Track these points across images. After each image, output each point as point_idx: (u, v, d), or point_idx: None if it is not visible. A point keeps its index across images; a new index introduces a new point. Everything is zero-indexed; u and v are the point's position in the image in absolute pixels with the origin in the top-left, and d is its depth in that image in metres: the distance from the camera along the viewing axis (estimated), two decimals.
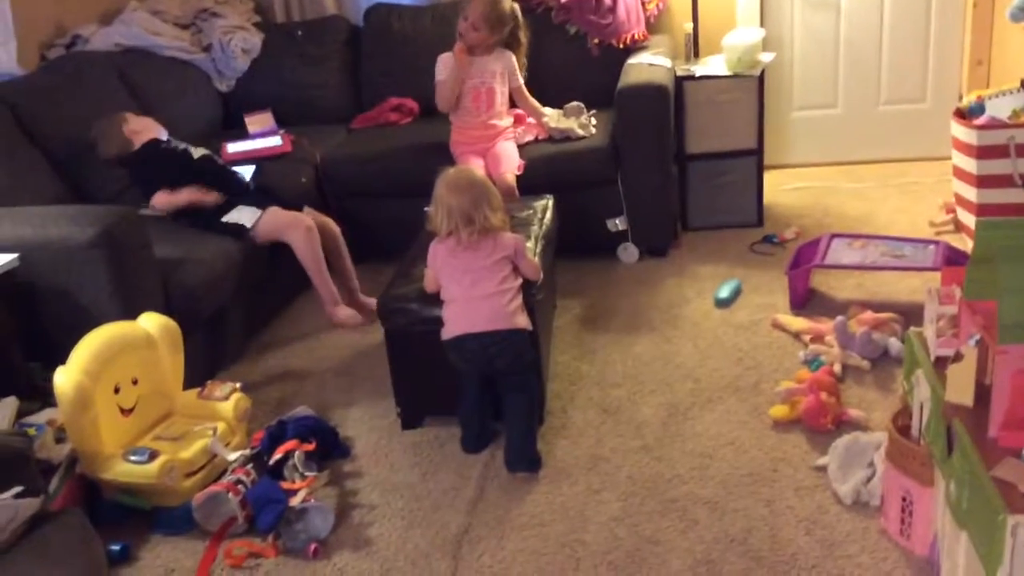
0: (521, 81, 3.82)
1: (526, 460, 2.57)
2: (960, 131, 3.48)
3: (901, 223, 3.86)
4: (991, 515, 1.59)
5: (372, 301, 3.33)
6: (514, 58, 3.78)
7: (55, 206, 3.00)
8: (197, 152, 3.46)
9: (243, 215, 3.24)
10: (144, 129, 3.45)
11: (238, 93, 4.39)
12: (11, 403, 2.56)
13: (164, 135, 3.49)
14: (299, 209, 3.43)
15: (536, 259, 2.78)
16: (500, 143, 3.73)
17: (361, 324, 3.40)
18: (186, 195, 3.25)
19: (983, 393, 1.80)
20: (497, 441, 2.67)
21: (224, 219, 3.24)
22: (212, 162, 3.47)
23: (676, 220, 3.96)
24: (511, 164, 3.62)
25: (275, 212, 3.29)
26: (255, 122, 4.14)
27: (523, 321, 2.59)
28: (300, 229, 3.26)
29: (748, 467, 2.46)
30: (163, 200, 3.26)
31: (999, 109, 3.42)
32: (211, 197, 3.27)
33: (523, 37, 3.79)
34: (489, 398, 2.66)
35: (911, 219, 3.90)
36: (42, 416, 2.55)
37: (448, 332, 2.59)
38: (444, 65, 3.71)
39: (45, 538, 1.70)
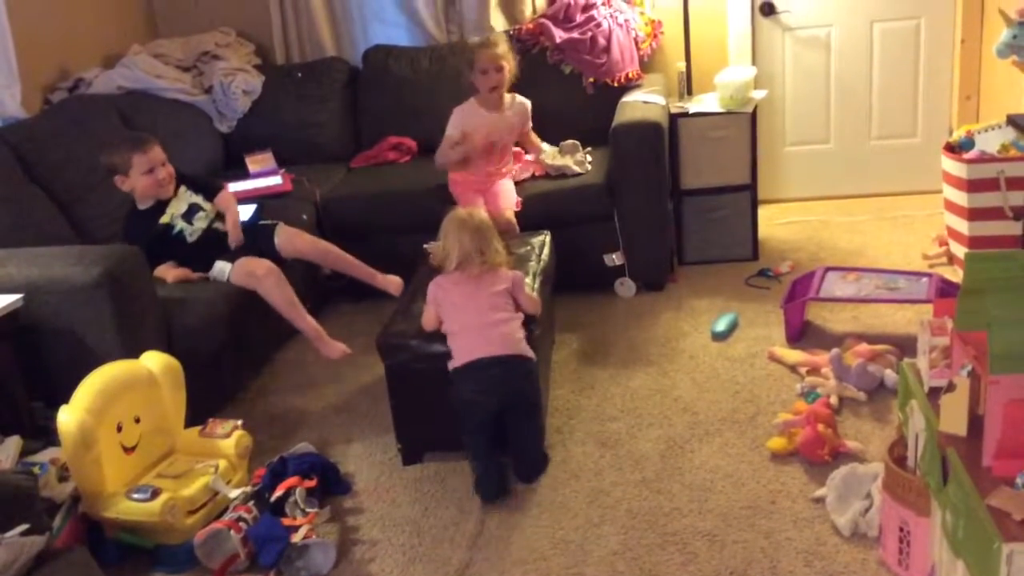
0: (530, 124, 3.90)
1: (539, 468, 2.69)
2: (951, 165, 3.53)
3: (894, 256, 3.91)
4: (986, 543, 1.61)
5: (395, 279, 3.42)
6: (529, 105, 3.84)
7: (58, 246, 3.03)
8: (194, 230, 3.35)
9: (220, 272, 3.25)
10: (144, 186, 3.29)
11: (239, 134, 4.45)
12: (14, 442, 2.58)
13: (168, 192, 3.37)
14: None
15: (535, 294, 2.83)
16: (499, 181, 3.77)
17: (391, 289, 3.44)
18: (172, 277, 3.21)
19: (976, 423, 1.83)
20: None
21: (209, 276, 3.27)
22: (207, 243, 3.36)
23: (672, 255, 4.00)
24: (510, 201, 3.67)
25: (241, 264, 3.25)
26: (256, 162, 4.20)
27: (529, 351, 2.64)
28: (262, 279, 3.21)
29: (747, 499, 2.48)
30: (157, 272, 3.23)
31: (988, 143, 3.48)
32: (195, 277, 3.25)
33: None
34: (497, 438, 2.68)
35: (904, 252, 3.94)
36: (45, 455, 2.56)
37: (462, 358, 2.61)
38: (459, 120, 3.73)
39: None
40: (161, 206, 3.31)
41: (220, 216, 3.44)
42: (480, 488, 2.63)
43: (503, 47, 3.71)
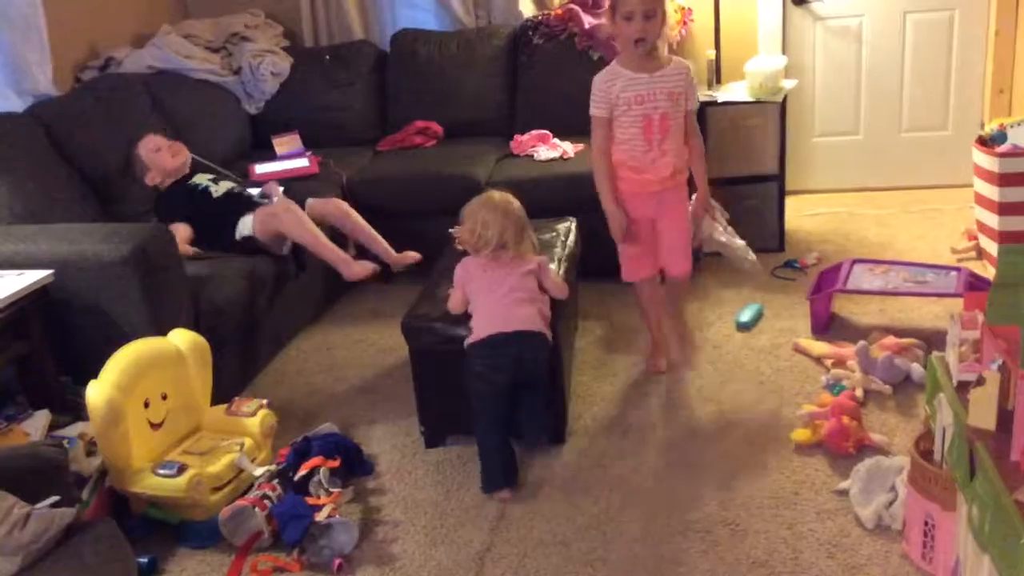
0: (695, 101, 2.96)
1: (537, 427, 2.72)
2: (982, 159, 3.50)
3: (922, 249, 3.87)
4: (1013, 538, 1.60)
5: (412, 254, 3.48)
6: (690, 69, 2.91)
7: (88, 224, 3.06)
8: (219, 189, 3.48)
9: (244, 226, 3.33)
10: (160, 166, 3.51)
11: (267, 115, 4.47)
12: (43, 416, 2.61)
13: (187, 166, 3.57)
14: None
15: (560, 278, 2.83)
16: (674, 196, 2.97)
17: (408, 262, 3.50)
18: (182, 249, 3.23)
19: (1005, 417, 1.81)
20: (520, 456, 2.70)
21: (236, 238, 3.32)
22: (230, 199, 3.47)
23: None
24: (687, 249, 3.06)
25: (260, 211, 3.36)
26: (283, 144, 4.22)
27: (547, 330, 2.64)
28: (281, 214, 3.32)
29: (770, 490, 2.47)
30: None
31: (1020, 137, 3.44)
32: (192, 252, 3.27)
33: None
34: (508, 426, 2.68)
35: (932, 246, 3.91)
36: (74, 429, 2.59)
37: (480, 333, 2.60)
38: (604, 95, 2.86)
39: (79, 548, 1.73)
40: (186, 179, 3.50)
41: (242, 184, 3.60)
42: (484, 476, 2.61)
43: None
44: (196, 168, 3.57)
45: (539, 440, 2.74)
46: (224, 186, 3.49)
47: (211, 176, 3.52)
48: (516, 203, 2.71)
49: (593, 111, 2.91)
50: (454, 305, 2.72)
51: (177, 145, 3.56)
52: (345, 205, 3.61)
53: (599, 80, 2.88)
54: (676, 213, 2.99)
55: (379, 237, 3.57)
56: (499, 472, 2.61)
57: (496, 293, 2.62)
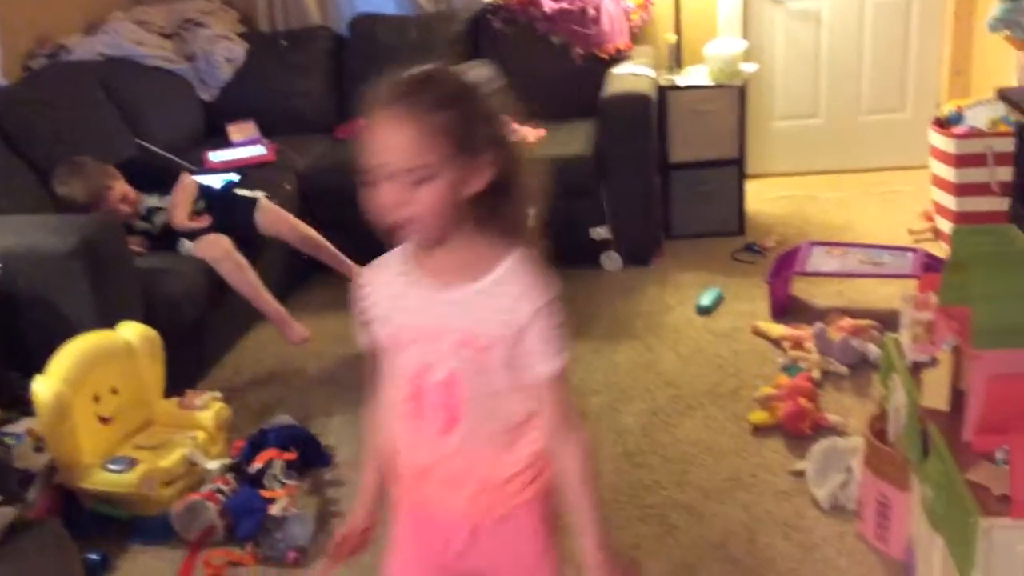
0: None
1: None
2: (939, 140, 3.51)
3: (880, 231, 3.89)
4: (965, 518, 1.60)
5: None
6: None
7: (36, 215, 2.99)
8: (156, 226, 3.29)
9: (185, 249, 3.22)
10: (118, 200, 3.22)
11: (222, 103, 4.38)
12: None
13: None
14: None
15: None
16: None
17: None
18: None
19: (958, 398, 1.82)
20: None
21: (178, 248, 3.23)
22: (171, 232, 3.28)
23: (659, 229, 3.97)
24: None
25: (199, 245, 3.20)
26: (238, 131, 4.15)
27: None
28: (219, 261, 3.17)
29: (727, 472, 2.47)
30: None
31: (977, 118, 3.46)
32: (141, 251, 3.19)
33: None
34: None
35: (890, 227, 3.93)
36: (21, 425, 2.53)
37: None
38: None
39: (21, 547, 1.69)
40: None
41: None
42: None
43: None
44: (138, 174, 3.34)
45: None
46: (160, 220, 3.29)
47: (143, 214, 3.28)
48: None
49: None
50: None
51: (131, 203, 3.25)
52: (298, 225, 3.46)
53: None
54: None
55: (337, 253, 3.47)
56: None
57: None
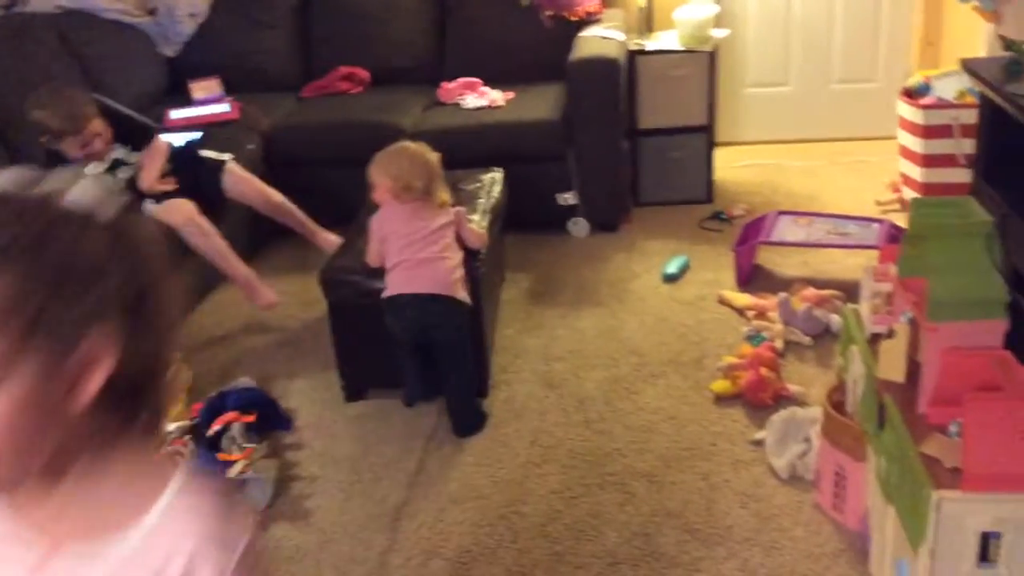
0: None
1: (470, 424, 2.61)
2: (907, 111, 3.51)
3: (848, 201, 3.89)
4: (918, 490, 1.61)
5: (334, 239, 3.25)
6: None
7: None
8: (117, 181, 3.14)
9: (147, 210, 3.10)
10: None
11: (184, 58, 4.29)
12: None
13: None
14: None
15: (481, 229, 2.78)
16: None
17: (332, 249, 3.17)
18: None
19: (914, 370, 1.82)
20: (440, 410, 2.67)
21: (140, 211, 3.13)
22: (133, 190, 3.14)
23: (627, 195, 3.95)
24: None
25: (161, 209, 3.10)
26: (201, 88, 4.06)
27: (463, 294, 2.58)
28: (182, 228, 3.07)
29: (687, 441, 2.48)
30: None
31: (945, 89, 3.46)
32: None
33: None
34: (429, 373, 2.65)
35: (858, 197, 3.93)
36: None
37: (386, 291, 2.57)
38: None
39: None
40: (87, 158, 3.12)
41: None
42: (405, 393, 2.70)
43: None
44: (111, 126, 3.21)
45: (468, 433, 2.60)
46: (123, 176, 3.18)
47: (108, 164, 3.17)
48: (432, 152, 2.66)
49: None
50: (371, 258, 2.66)
51: (105, 141, 3.14)
52: (265, 189, 3.39)
53: None
54: None
55: (304, 219, 3.42)
56: (412, 389, 2.70)
57: (410, 248, 2.56)
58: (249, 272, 3.22)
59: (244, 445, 2.49)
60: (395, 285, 2.56)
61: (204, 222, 3.12)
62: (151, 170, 3.19)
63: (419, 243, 2.56)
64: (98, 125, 3.09)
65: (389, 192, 2.62)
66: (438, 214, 2.61)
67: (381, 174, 2.63)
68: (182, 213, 3.10)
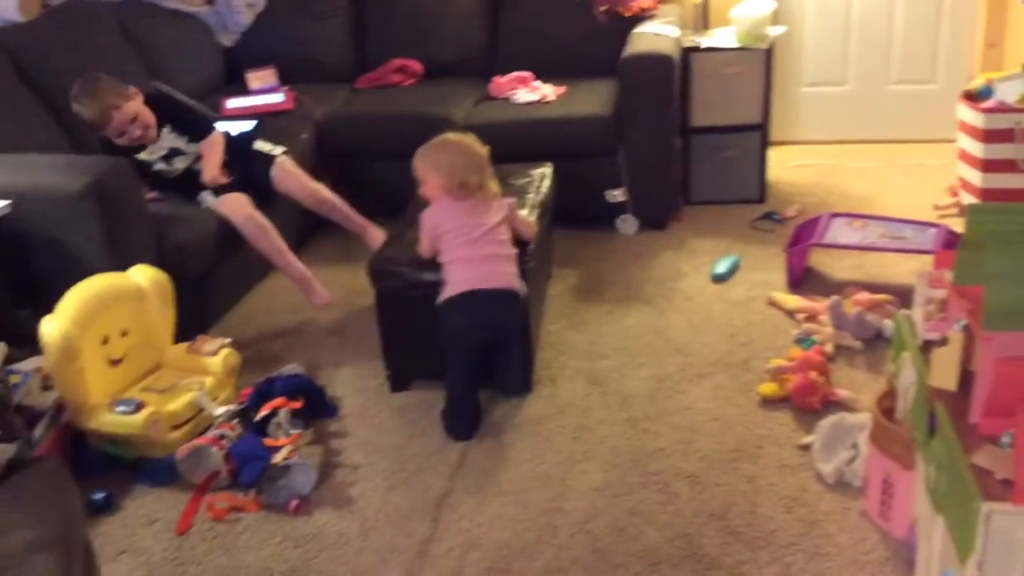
0: None
1: (514, 381, 2.66)
2: (967, 114, 3.44)
3: (904, 205, 3.82)
4: (967, 501, 1.58)
5: (380, 234, 3.26)
6: None
7: (49, 155, 2.98)
8: (173, 170, 3.23)
9: (205, 202, 3.16)
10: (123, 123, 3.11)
11: (241, 48, 4.35)
12: None
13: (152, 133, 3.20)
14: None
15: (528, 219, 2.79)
16: None
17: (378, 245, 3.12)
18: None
19: (967, 379, 1.79)
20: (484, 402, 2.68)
21: (198, 200, 3.18)
22: (189, 180, 3.21)
23: (677, 193, 3.92)
24: None
25: (223, 204, 3.15)
26: (257, 78, 4.12)
27: (521, 286, 2.60)
28: (242, 226, 3.12)
29: (732, 443, 2.46)
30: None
31: (1007, 93, 3.38)
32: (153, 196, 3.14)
33: None
34: (479, 373, 2.65)
35: (915, 201, 3.86)
36: (29, 363, 2.55)
37: (455, 288, 2.54)
38: None
39: (18, 485, 1.69)
40: (136, 149, 3.17)
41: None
42: (448, 422, 2.60)
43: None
44: (166, 118, 3.24)
45: (517, 392, 2.70)
46: (179, 167, 3.23)
47: (164, 152, 3.22)
48: (479, 143, 2.64)
49: None
50: (422, 252, 2.66)
51: (145, 125, 3.15)
52: (311, 184, 3.40)
53: None
54: None
55: (352, 214, 3.42)
56: (463, 421, 2.59)
57: (473, 246, 2.55)
58: (305, 270, 3.24)
59: (290, 431, 2.53)
60: (467, 281, 2.53)
61: (263, 220, 3.16)
62: (213, 162, 3.22)
63: (481, 241, 2.55)
64: (130, 111, 3.09)
65: (442, 189, 2.60)
66: (493, 209, 2.61)
67: (430, 170, 2.61)
68: (241, 210, 3.14)
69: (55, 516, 1.64)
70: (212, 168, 3.20)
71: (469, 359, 2.60)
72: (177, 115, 3.27)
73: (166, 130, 3.23)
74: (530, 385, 2.75)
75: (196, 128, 3.28)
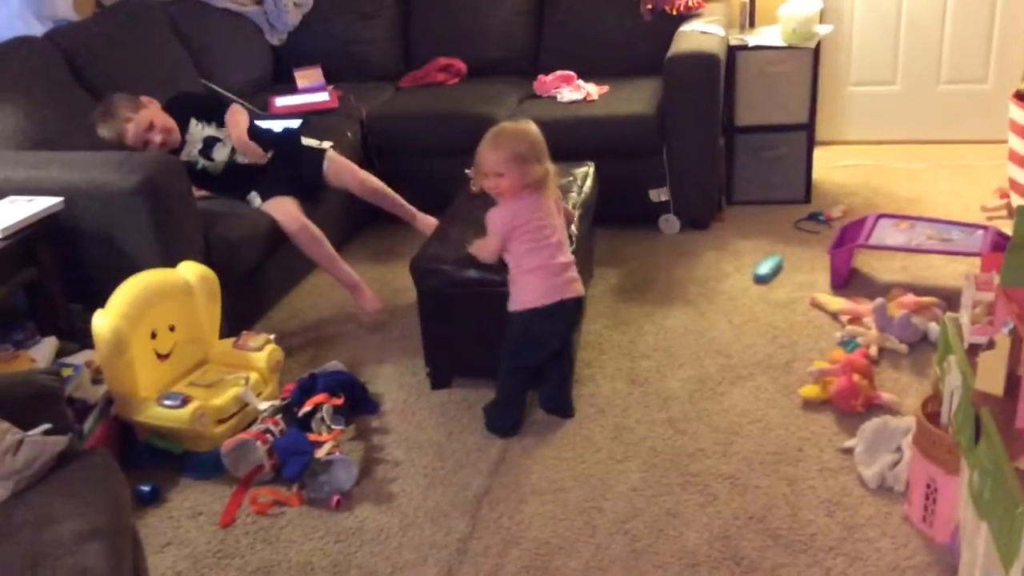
0: None
1: (564, 404, 2.64)
2: (1019, 114, 3.38)
3: (952, 206, 3.77)
4: (1012, 507, 1.56)
5: (432, 221, 3.31)
6: None
7: (101, 152, 3.04)
8: (216, 164, 3.26)
9: (254, 201, 3.21)
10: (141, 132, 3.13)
11: (289, 47, 4.41)
12: (51, 343, 2.64)
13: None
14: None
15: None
16: None
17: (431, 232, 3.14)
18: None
19: (1014, 383, 1.76)
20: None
21: (247, 200, 3.22)
22: (236, 175, 3.27)
23: (721, 193, 3.90)
24: None
25: (273, 209, 3.17)
26: (304, 77, 4.17)
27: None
28: (296, 234, 3.15)
29: (773, 445, 2.44)
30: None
31: None
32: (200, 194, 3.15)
33: None
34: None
35: (963, 203, 3.80)
36: (80, 357, 2.61)
37: (543, 299, 2.49)
38: None
39: (69, 476, 1.74)
40: (176, 149, 3.22)
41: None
42: (493, 418, 2.61)
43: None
44: (187, 112, 3.28)
45: (563, 414, 2.64)
46: (220, 158, 3.26)
47: (200, 145, 3.24)
48: (533, 125, 2.58)
49: None
50: (490, 254, 2.58)
51: (166, 129, 3.16)
52: (363, 175, 3.44)
53: None
54: None
55: (403, 202, 3.46)
56: (510, 420, 2.61)
57: (547, 251, 2.50)
58: (357, 277, 3.26)
59: (332, 427, 2.56)
60: (553, 290, 2.49)
61: (316, 229, 3.19)
62: (238, 129, 3.25)
63: (554, 246, 2.52)
64: (144, 119, 3.11)
65: (518, 184, 2.47)
66: (552, 204, 2.57)
67: (512, 163, 2.45)
68: (294, 217, 3.16)
69: (105, 506, 1.68)
70: (239, 135, 3.23)
71: (536, 364, 2.61)
72: (196, 105, 3.34)
73: (193, 123, 3.28)
74: (573, 410, 2.67)
75: (217, 110, 3.33)
